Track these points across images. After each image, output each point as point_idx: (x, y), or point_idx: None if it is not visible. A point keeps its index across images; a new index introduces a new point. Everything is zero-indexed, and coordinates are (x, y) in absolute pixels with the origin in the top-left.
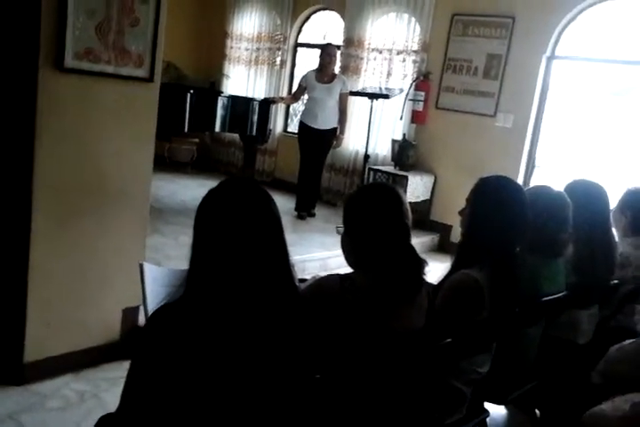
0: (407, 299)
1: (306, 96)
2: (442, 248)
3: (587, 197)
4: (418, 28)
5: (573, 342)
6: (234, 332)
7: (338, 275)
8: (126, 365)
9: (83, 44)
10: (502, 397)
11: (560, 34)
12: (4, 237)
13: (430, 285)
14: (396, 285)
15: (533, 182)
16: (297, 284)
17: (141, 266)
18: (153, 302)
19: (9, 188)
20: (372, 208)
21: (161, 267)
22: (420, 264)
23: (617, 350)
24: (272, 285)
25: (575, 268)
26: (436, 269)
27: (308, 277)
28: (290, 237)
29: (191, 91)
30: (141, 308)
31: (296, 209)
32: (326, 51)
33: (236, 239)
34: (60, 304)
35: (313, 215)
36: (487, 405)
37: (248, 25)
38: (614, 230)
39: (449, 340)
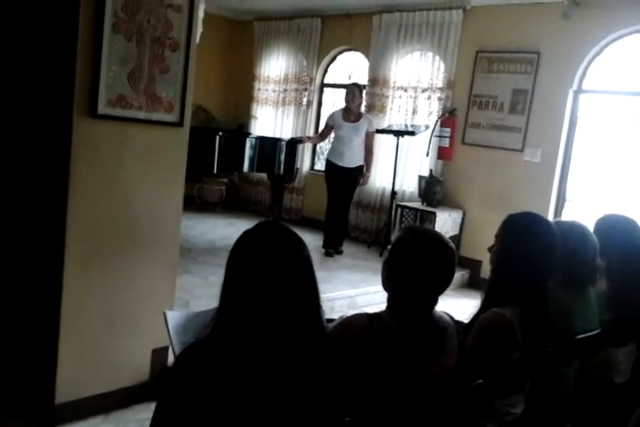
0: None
1: (333, 135)
2: (472, 284)
3: (618, 231)
4: (442, 65)
5: (610, 381)
6: (261, 373)
7: (366, 314)
8: (154, 406)
9: (115, 92)
10: None
11: (587, 68)
12: (39, 281)
13: (461, 323)
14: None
15: (564, 217)
16: (325, 325)
17: (165, 314)
18: (179, 348)
19: (43, 233)
20: (426, 263)
21: (184, 312)
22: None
23: None
24: (301, 327)
25: (609, 304)
26: (466, 306)
27: (336, 315)
28: (318, 275)
29: (220, 133)
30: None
31: (324, 246)
32: (350, 90)
33: (267, 282)
34: (91, 346)
35: (340, 253)
36: None
37: (275, 67)
38: None
39: (481, 381)
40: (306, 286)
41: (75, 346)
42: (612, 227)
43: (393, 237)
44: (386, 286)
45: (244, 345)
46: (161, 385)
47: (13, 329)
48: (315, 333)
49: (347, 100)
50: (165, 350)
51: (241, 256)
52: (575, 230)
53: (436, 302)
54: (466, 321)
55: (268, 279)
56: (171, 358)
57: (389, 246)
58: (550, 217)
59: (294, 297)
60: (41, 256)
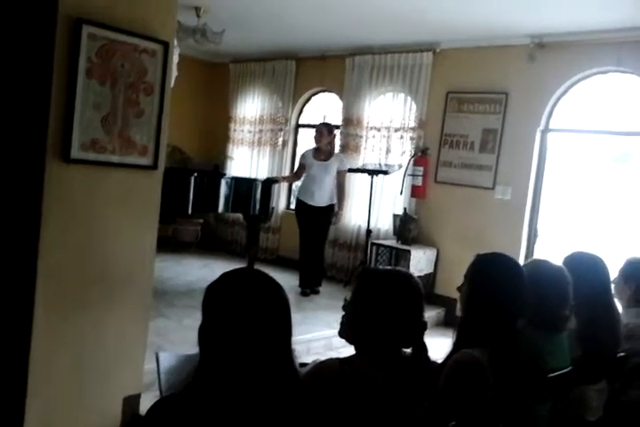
0: (408, 386)
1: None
2: (447, 323)
3: (585, 269)
4: (414, 105)
5: (583, 419)
6: (233, 422)
7: (337, 359)
8: None
9: (89, 136)
10: None
11: (553, 107)
12: (6, 330)
13: (434, 363)
14: (398, 372)
15: (536, 252)
16: (298, 370)
17: (157, 355)
18: (168, 392)
19: (12, 280)
20: (390, 294)
21: (177, 354)
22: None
23: None
24: (274, 373)
25: (579, 341)
26: (442, 345)
27: (310, 359)
28: (294, 317)
29: (195, 174)
30: (143, 395)
31: (300, 286)
32: (318, 129)
33: (245, 328)
34: (60, 398)
35: (317, 292)
36: None
37: (250, 108)
38: (617, 301)
39: (453, 423)
40: (282, 332)
41: (43, 401)
42: (579, 265)
43: (352, 286)
44: (350, 328)
45: (218, 392)
46: None
47: None
48: (288, 377)
49: (316, 140)
50: (137, 398)
51: (218, 302)
52: (548, 275)
53: (405, 339)
54: (440, 361)
55: (247, 325)
56: (143, 406)
57: (350, 293)
58: (522, 252)
59: (270, 342)
60: (9, 304)
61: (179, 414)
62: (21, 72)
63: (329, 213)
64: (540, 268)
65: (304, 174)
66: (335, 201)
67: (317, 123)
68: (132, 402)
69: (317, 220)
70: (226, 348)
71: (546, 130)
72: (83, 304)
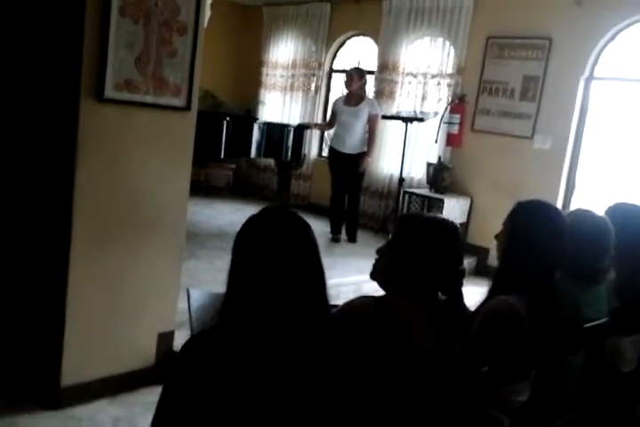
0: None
1: None
2: (479, 272)
3: (627, 219)
4: (452, 51)
5: (617, 370)
6: (266, 359)
7: (372, 297)
8: (160, 390)
9: (122, 76)
10: None
11: (599, 54)
12: (45, 265)
13: (467, 310)
14: (433, 316)
15: (573, 204)
16: (330, 310)
17: (188, 292)
18: (198, 329)
19: (50, 217)
20: (433, 241)
21: (208, 292)
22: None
23: None
24: (306, 311)
25: (617, 293)
26: (473, 294)
27: (341, 302)
28: (324, 261)
29: (227, 118)
30: (176, 332)
31: (331, 232)
32: (348, 74)
33: (273, 267)
34: (97, 329)
35: (354, 241)
36: None
37: (283, 52)
38: None
39: (486, 368)
40: (312, 270)
41: (80, 330)
42: (622, 215)
43: (391, 229)
44: (386, 272)
45: (250, 331)
46: (167, 371)
47: (20, 314)
48: (320, 317)
49: (345, 84)
50: (170, 334)
51: (247, 241)
52: (590, 226)
53: (442, 286)
54: (473, 308)
55: (275, 263)
56: (177, 343)
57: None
58: (559, 204)
59: (300, 281)
60: (47, 240)
61: (211, 351)
62: (54, 11)
63: (359, 161)
64: (583, 218)
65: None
66: (366, 148)
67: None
68: (166, 338)
69: (349, 168)
70: (254, 283)
71: (590, 78)
72: (117, 240)
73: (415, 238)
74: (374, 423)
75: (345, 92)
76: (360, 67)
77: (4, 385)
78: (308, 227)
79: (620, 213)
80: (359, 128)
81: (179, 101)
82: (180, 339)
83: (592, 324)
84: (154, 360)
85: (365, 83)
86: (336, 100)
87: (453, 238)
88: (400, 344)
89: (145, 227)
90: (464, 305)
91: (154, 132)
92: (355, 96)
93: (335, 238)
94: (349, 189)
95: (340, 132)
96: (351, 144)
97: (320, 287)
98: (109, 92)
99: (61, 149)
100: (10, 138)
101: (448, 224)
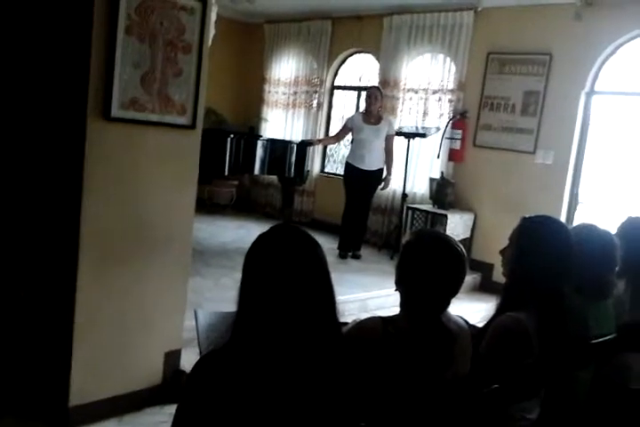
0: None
1: (348, 137)
2: (483, 288)
3: (638, 234)
4: (453, 67)
5: (625, 386)
6: (278, 378)
7: (380, 317)
8: (168, 409)
9: (128, 95)
10: None
11: (599, 69)
12: (53, 283)
13: (475, 327)
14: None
15: (577, 219)
16: (341, 327)
17: (195, 312)
18: (207, 348)
19: (57, 235)
20: (435, 265)
21: (215, 312)
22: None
23: None
24: (317, 329)
25: (626, 308)
26: (477, 310)
27: (348, 320)
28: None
29: (231, 135)
30: (183, 351)
31: (339, 248)
32: (372, 93)
33: (284, 284)
34: (104, 349)
35: (358, 257)
36: None
37: (285, 70)
38: None
39: (496, 386)
40: (322, 288)
41: (88, 349)
42: (631, 230)
43: (403, 241)
44: (398, 289)
45: (261, 349)
46: (178, 391)
47: (28, 332)
48: (331, 335)
49: (368, 103)
50: (177, 353)
51: (257, 259)
52: (595, 240)
53: (447, 304)
54: (479, 325)
55: (286, 281)
56: (184, 362)
57: (401, 250)
58: (563, 219)
59: (311, 299)
60: (55, 258)
61: (223, 370)
62: (62, 30)
63: (379, 177)
64: (586, 232)
65: (348, 138)
66: (384, 165)
67: (353, 85)
68: (173, 357)
69: (367, 184)
70: (265, 302)
71: (591, 92)
72: (125, 259)
73: (418, 265)
74: None
75: (362, 109)
76: (379, 86)
77: (14, 405)
78: (317, 245)
79: (631, 226)
80: (379, 146)
81: (184, 120)
82: (186, 357)
83: (601, 339)
84: (161, 379)
85: (382, 102)
86: (353, 117)
87: (460, 260)
88: (406, 365)
89: (152, 245)
90: (467, 322)
91: (160, 151)
92: (374, 115)
93: (342, 255)
94: (361, 204)
95: (358, 149)
96: (370, 161)
97: (330, 305)
98: (116, 110)
99: (69, 168)
100: (18, 157)
101: (457, 248)
